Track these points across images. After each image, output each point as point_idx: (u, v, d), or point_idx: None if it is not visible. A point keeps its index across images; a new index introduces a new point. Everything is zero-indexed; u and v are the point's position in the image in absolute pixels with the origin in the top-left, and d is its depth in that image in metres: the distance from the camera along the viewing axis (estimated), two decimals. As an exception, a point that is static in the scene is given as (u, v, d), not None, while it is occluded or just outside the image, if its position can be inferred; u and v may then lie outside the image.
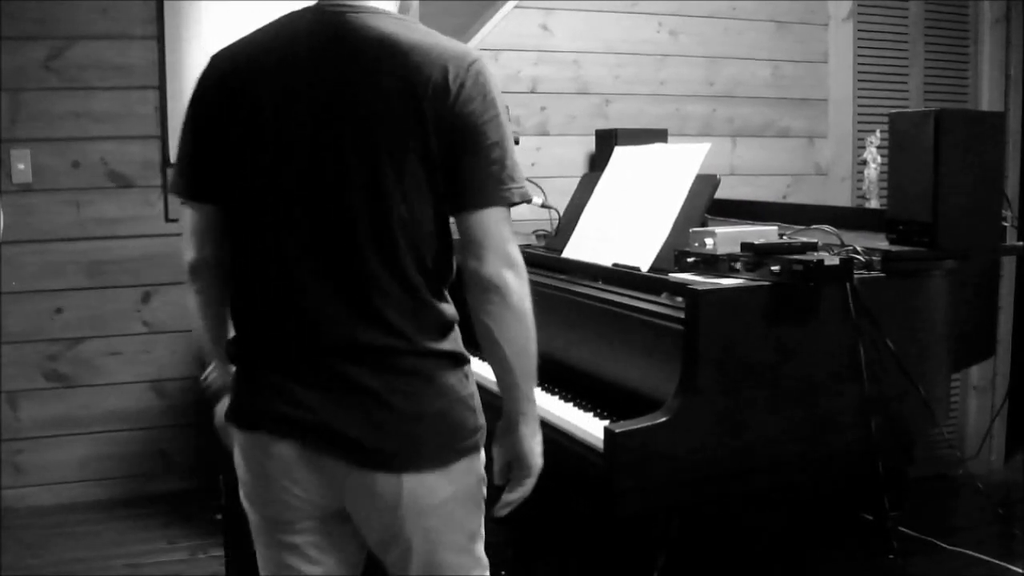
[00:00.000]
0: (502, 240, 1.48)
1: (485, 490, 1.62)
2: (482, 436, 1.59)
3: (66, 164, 3.69)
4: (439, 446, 1.52)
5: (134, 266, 3.78)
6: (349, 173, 1.47)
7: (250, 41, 1.57)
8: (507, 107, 1.53)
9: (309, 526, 1.60)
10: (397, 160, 1.45)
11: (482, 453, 1.61)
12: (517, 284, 1.50)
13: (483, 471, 1.61)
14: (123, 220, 3.76)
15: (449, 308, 1.57)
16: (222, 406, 1.71)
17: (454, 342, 1.57)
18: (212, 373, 1.75)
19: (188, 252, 1.80)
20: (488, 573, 1.67)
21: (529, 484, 1.62)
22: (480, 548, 1.65)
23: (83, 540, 3.39)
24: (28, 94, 3.61)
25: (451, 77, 1.45)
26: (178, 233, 3.49)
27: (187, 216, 1.78)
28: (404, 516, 1.52)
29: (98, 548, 3.31)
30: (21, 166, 3.64)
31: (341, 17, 1.50)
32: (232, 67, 1.57)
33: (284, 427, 1.53)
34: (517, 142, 1.62)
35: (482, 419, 1.59)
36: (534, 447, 1.60)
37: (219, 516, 2.31)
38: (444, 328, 1.56)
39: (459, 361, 1.57)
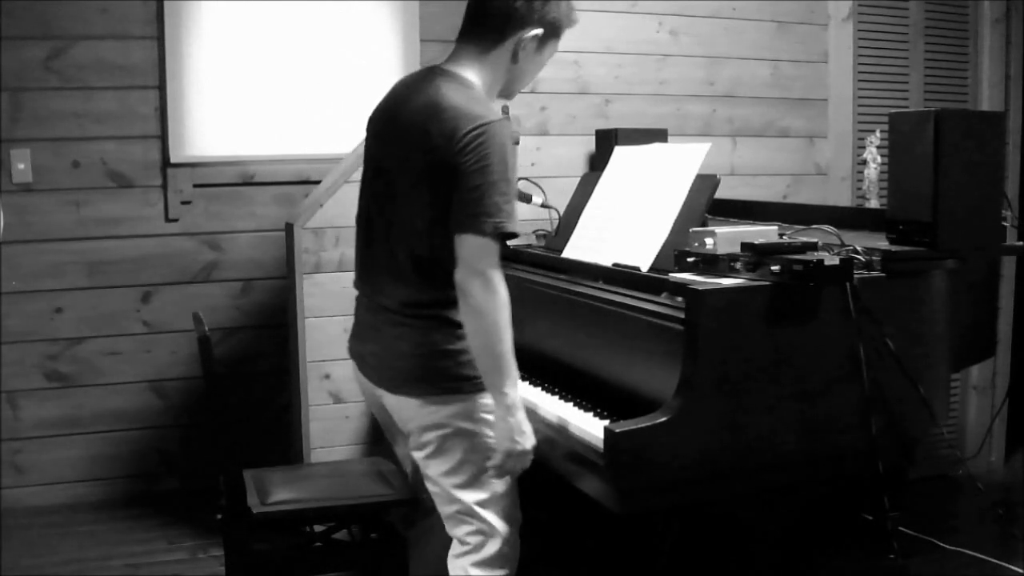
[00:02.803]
0: (475, 258, 1.95)
1: (486, 451, 2.05)
2: (469, 387, 2.05)
3: (66, 164, 3.69)
4: (417, 379, 2.08)
5: (134, 266, 3.78)
6: (390, 194, 2.12)
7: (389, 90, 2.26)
8: (509, 160, 1.97)
9: (389, 429, 2.33)
10: (418, 189, 2.04)
11: (475, 403, 2.06)
12: (481, 292, 1.95)
13: (475, 426, 2.06)
14: (123, 220, 3.76)
15: (442, 290, 2.04)
16: None
17: (442, 310, 2.07)
18: None
19: None
20: (480, 532, 2.10)
21: (505, 459, 2.01)
22: (468, 497, 2.08)
23: (83, 540, 3.39)
24: (28, 94, 3.62)
25: (458, 135, 1.96)
26: (178, 233, 3.58)
27: None
28: (401, 429, 2.20)
29: (98, 548, 3.31)
30: (21, 166, 3.64)
31: (419, 80, 2.14)
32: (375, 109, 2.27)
33: (353, 356, 2.30)
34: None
35: (476, 373, 2.02)
36: (509, 429, 1.99)
37: (219, 516, 2.31)
38: (437, 302, 2.07)
39: (445, 324, 2.07)
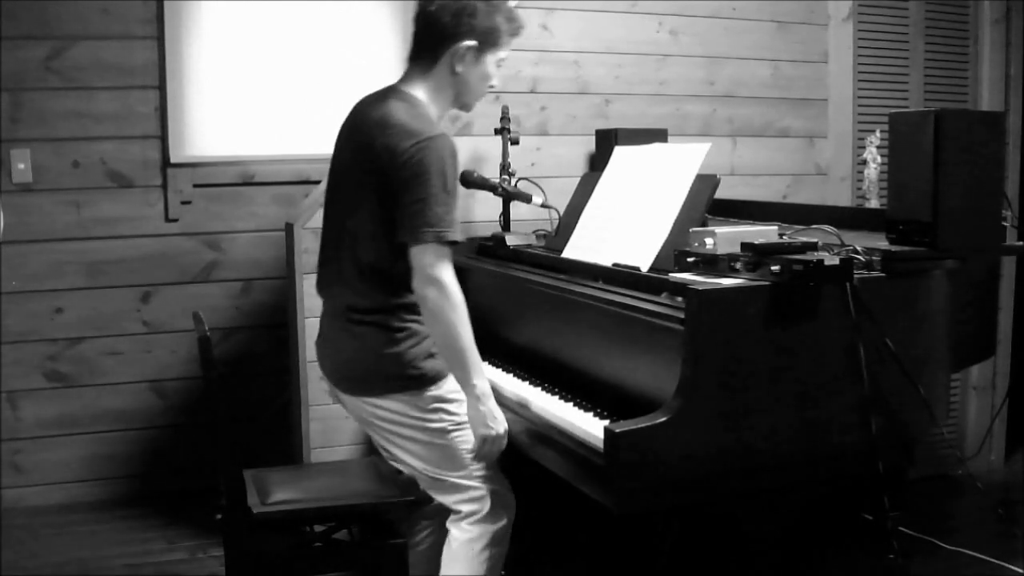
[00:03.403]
0: (424, 266, 2.11)
1: (446, 420, 2.26)
2: (414, 384, 2.22)
3: (66, 164, 3.69)
4: (362, 379, 2.27)
5: (134, 266, 3.78)
6: (341, 205, 2.30)
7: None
8: (448, 172, 2.13)
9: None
10: (366, 199, 2.20)
11: (421, 397, 2.23)
12: (435, 297, 2.11)
13: (426, 415, 2.24)
14: (123, 220, 3.76)
15: (384, 296, 2.22)
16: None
17: (383, 316, 2.23)
18: None
19: None
20: (471, 501, 2.28)
21: (482, 445, 2.20)
22: (446, 475, 2.27)
23: (83, 540, 3.39)
24: (28, 94, 3.62)
25: (400, 150, 2.13)
26: (178, 233, 3.58)
27: None
28: (366, 427, 2.38)
29: (98, 548, 3.32)
30: (21, 166, 3.64)
31: (375, 99, 2.30)
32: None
33: (317, 358, 2.45)
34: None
35: (418, 371, 2.22)
36: (482, 416, 2.18)
37: (219, 516, 2.31)
38: (378, 308, 2.23)
39: (385, 328, 2.23)
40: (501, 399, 2.39)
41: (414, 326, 2.24)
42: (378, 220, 2.18)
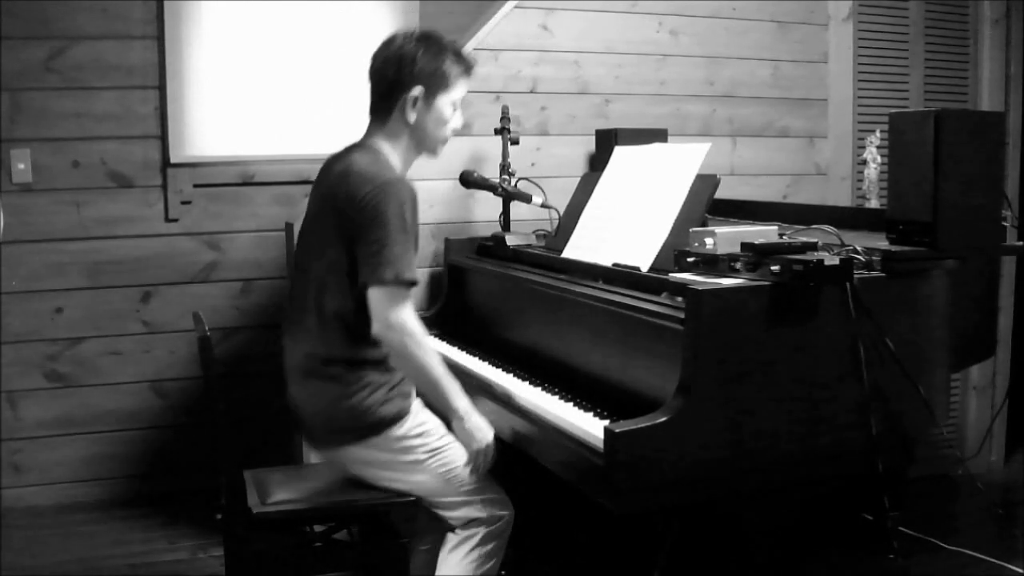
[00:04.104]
0: (383, 308, 2.16)
1: (418, 452, 2.29)
2: (378, 428, 2.24)
3: (66, 164, 3.69)
4: (328, 434, 2.30)
5: (134, 266, 3.78)
6: (312, 252, 2.33)
7: None
8: (406, 215, 2.18)
9: None
10: (331, 247, 2.25)
11: (386, 438, 2.26)
12: (398, 339, 2.17)
13: (395, 455, 2.28)
14: (123, 220, 3.76)
15: (347, 347, 2.25)
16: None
17: (343, 368, 2.25)
18: None
19: None
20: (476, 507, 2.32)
21: (475, 458, 2.30)
22: (442, 499, 2.32)
23: (83, 540, 3.39)
24: (28, 94, 3.62)
25: (359, 195, 2.19)
26: (178, 233, 3.59)
27: None
28: (354, 473, 2.34)
29: (98, 548, 3.31)
30: (21, 166, 3.64)
31: (342, 153, 2.38)
32: None
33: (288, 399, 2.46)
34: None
35: (375, 417, 2.24)
36: (469, 433, 2.28)
37: (219, 516, 2.30)
38: (338, 359, 2.26)
39: (343, 382, 2.25)
40: (500, 398, 2.39)
41: (369, 377, 2.26)
42: (343, 267, 2.22)
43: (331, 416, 2.27)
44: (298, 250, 2.46)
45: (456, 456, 2.32)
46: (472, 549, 2.32)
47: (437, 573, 2.34)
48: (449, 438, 2.34)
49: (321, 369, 2.28)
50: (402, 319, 2.17)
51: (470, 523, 2.33)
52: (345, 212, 2.21)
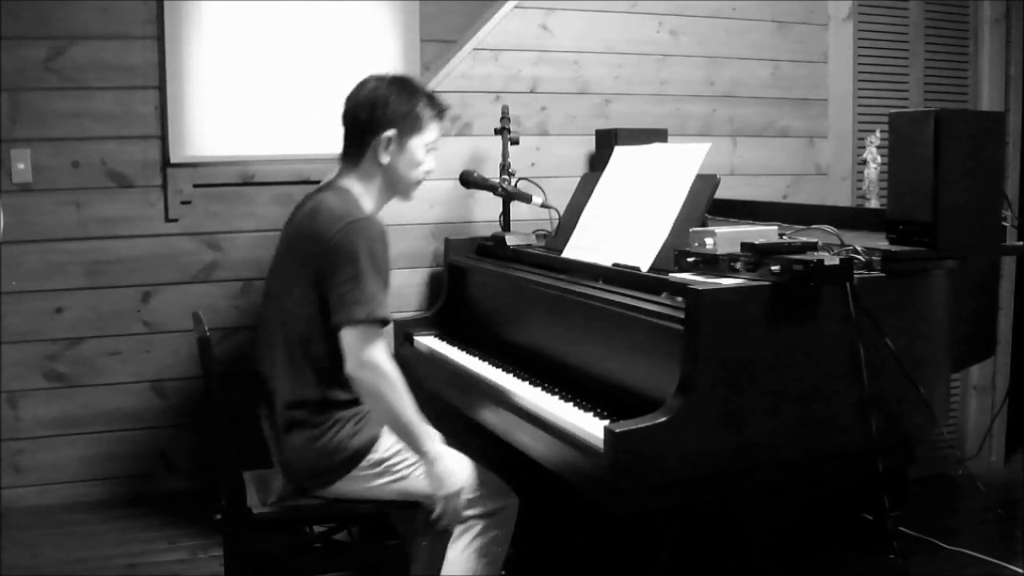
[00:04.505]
0: (356, 348, 2.15)
1: (401, 468, 2.30)
2: (354, 461, 2.25)
3: (66, 164, 3.69)
4: (307, 479, 2.28)
5: (134, 266, 3.78)
6: (281, 294, 2.31)
7: None
8: (376, 253, 2.18)
9: None
10: (301, 284, 2.23)
11: (359, 472, 2.26)
12: (371, 379, 2.15)
13: (371, 480, 2.28)
14: (123, 220, 3.77)
15: (316, 387, 2.23)
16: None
17: (312, 412, 2.24)
18: None
19: None
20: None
21: (443, 504, 2.25)
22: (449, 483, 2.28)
23: (83, 540, 3.39)
24: (28, 94, 3.62)
25: (330, 234, 2.18)
26: (178, 233, 3.59)
27: None
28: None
29: (98, 548, 3.31)
30: (21, 166, 3.64)
31: (314, 193, 2.39)
32: None
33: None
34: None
35: (348, 451, 2.24)
36: (438, 478, 2.24)
37: (219, 516, 2.31)
38: (307, 401, 2.24)
39: (313, 425, 2.24)
40: (500, 399, 2.39)
41: (336, 415, 2.27)
42: (311, 306, 2.21)
43: (304, 460, 2.26)
44: (266, 289, 2.47)
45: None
46: (473, 540, 2.33)
47: (444, 569, 2.35)
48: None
49: (291, 413, 2.27)
50: (375, 359, 2.16)
51: (470, 517, 2.33)
52: (314, 251, 2.21)
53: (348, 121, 2.39)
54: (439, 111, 2.42)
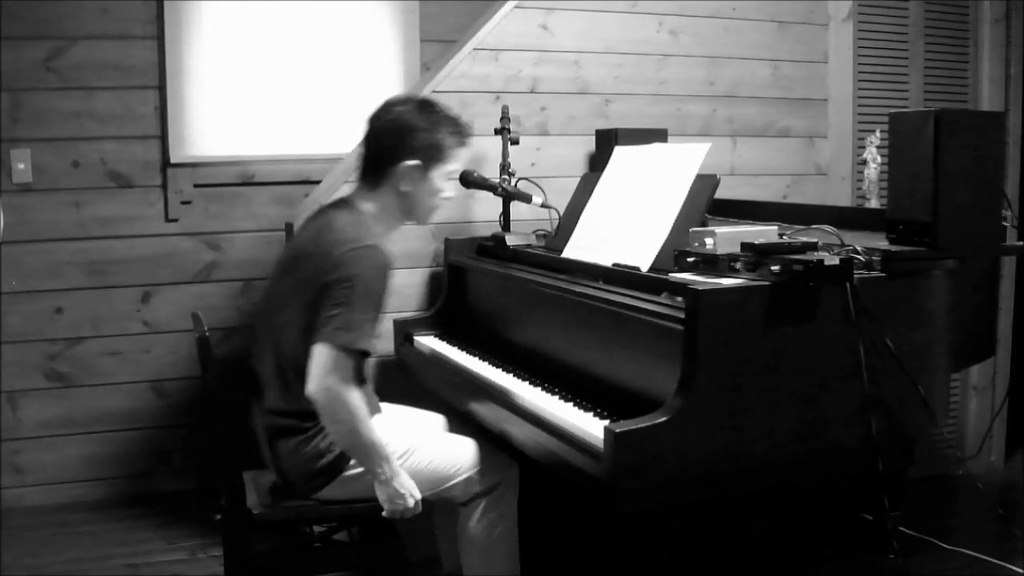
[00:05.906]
0: (323, 371, 2.11)
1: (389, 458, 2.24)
2: (338, 466, 2.25)
3: (66, 164, 3.69)
4: (300, 487, 2.28)
5: (134, 266, 3.79)
6: (278, 302, 2.31)
7: None
8: (376, 284, 2.17)
9: None
10: (297, 301, 2.22)
11: (344, 475, 2.27)
12: (326, 402, 2.13)
13: (354, 481, 2.26)
14: (123, 220, 3.77)
15: (306, 400, 2.16)
16: None
17: (299, 419, 2.24)
18: None
19: None
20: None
21: (392, 516, 2.25)
22: (437, 488, 2.35)
23: (83, 540, 3.39)
24: (28, 94, 3.62)
25: (334, 254, 2.17)
26: (178, 233, 3.59)
27: None
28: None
29: (98, 548, 3.32)
30: (21, 166, 3.64)
31: (326, 208, 2.39)
32: None
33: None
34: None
35: (332, 455, 2.24)
36: (384, 495, 2.22)
37: (219, 516, 2.31)
38: (295, 411, 2.24)
39: (299, 431, 2.25)
40: (501, 399, 2.39)
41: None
42: (305, 319, 2.19)
43: (295, 466, 2.27)
44: (265, 292, 2.46)
45: (426, 445, 2.37)
46: (478, 519, 2.37)
47: (461, 549, 2.42)
48: (412, 437, 2.37)
49: (275, 420, 2.29)
50: (334, 388, 2.12)
51: (472, 497, 2.37)
52: (317, 268, 2.20)
53: (370, 144, 2.35)
54: (463, 139, 2.39)
